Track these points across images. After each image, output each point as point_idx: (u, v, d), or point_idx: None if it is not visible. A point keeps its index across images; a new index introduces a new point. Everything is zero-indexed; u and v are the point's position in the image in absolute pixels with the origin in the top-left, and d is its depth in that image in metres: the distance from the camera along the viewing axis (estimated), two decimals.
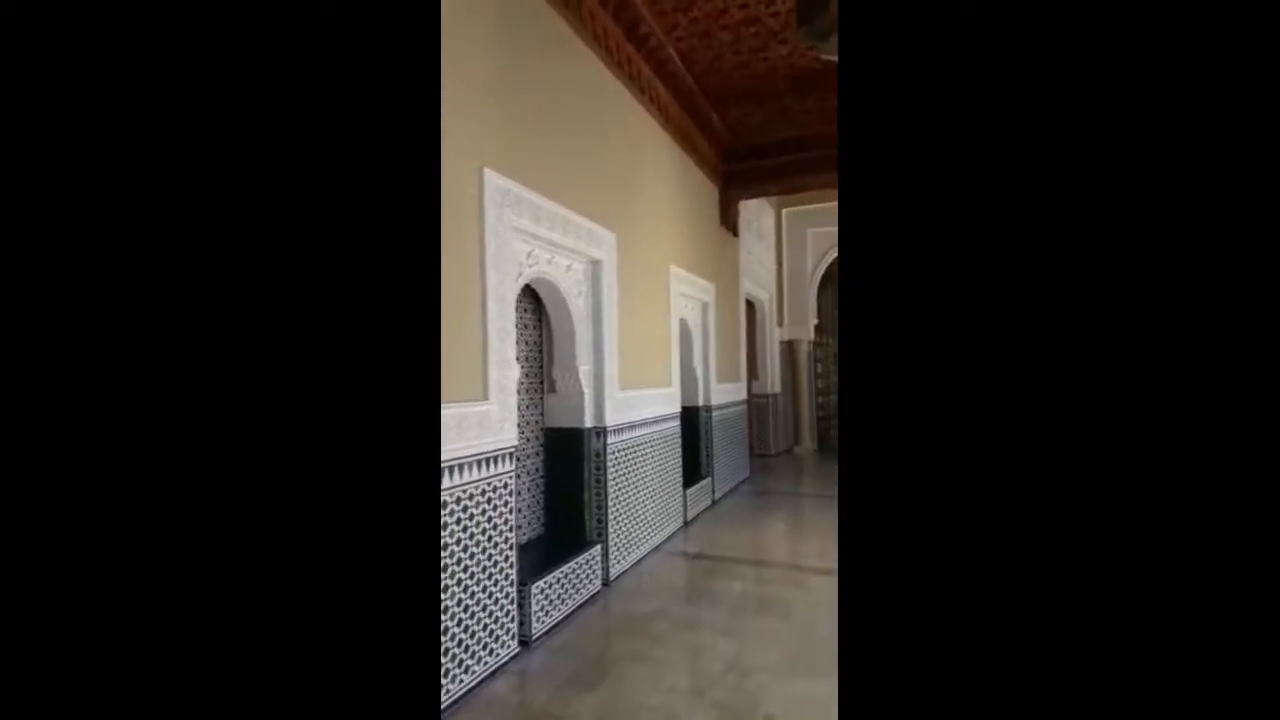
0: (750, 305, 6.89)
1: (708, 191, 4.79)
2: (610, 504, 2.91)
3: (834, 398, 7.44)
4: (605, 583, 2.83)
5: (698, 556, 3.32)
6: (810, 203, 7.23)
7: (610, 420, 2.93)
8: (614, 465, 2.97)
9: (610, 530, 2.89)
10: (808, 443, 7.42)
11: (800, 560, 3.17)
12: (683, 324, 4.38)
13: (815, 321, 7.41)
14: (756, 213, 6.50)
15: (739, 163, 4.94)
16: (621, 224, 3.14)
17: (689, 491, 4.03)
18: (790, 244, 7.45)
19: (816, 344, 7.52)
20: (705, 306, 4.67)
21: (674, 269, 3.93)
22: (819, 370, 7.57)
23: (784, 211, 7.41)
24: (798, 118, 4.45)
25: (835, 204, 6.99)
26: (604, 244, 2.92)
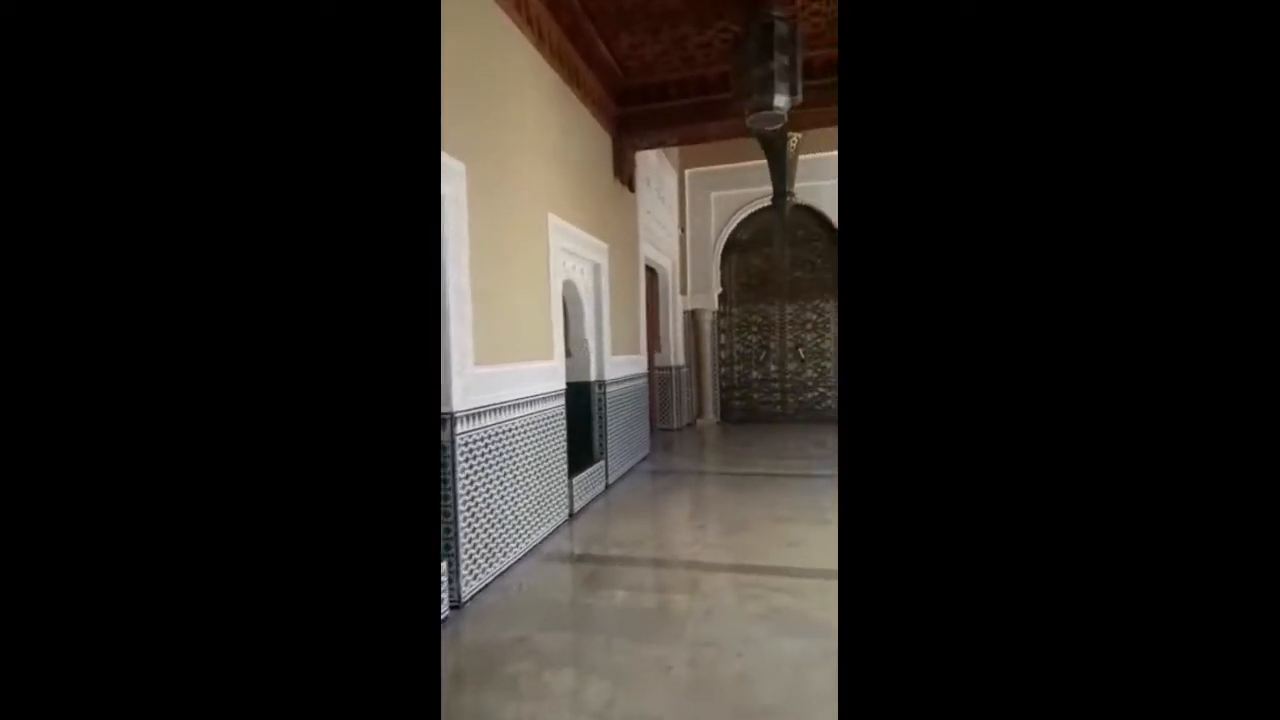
0: (652, 272, 6.44)
1: (599, 138, 4.18)
2: (462, 507, 2.32)
3: (738, 368, 7.27)
4: (456, 605, 2.26)
5: (581, 558, 2.83)
6: (714, 163, 6.85)
7: (461, 404, 2.31)
8: (469, 459, 2.37)
9: (462, 539, 2.31)
10: (710, 415, 7.21)
11: (699, 555, 2.79)
12: (569, 287, 3.80)
13: (719, 290, 7.13)
14: (656, 170, 6.00)
15: (634, 106, 4.36)
16: (475, 155, 2.47)
17: (576, 480, 3.52)
18: (693, 208, 7.06)
19: (720, 314, 7.26)
20: (598, 269, 4.11)
21: (554, 220, 3.32)
22: (722, 341, 7.34)
23: (687, 172, 6.98)
24: (696, 55, 3.94)
25: (740, 165, 6.67)
26: (447, 175, 2.25)
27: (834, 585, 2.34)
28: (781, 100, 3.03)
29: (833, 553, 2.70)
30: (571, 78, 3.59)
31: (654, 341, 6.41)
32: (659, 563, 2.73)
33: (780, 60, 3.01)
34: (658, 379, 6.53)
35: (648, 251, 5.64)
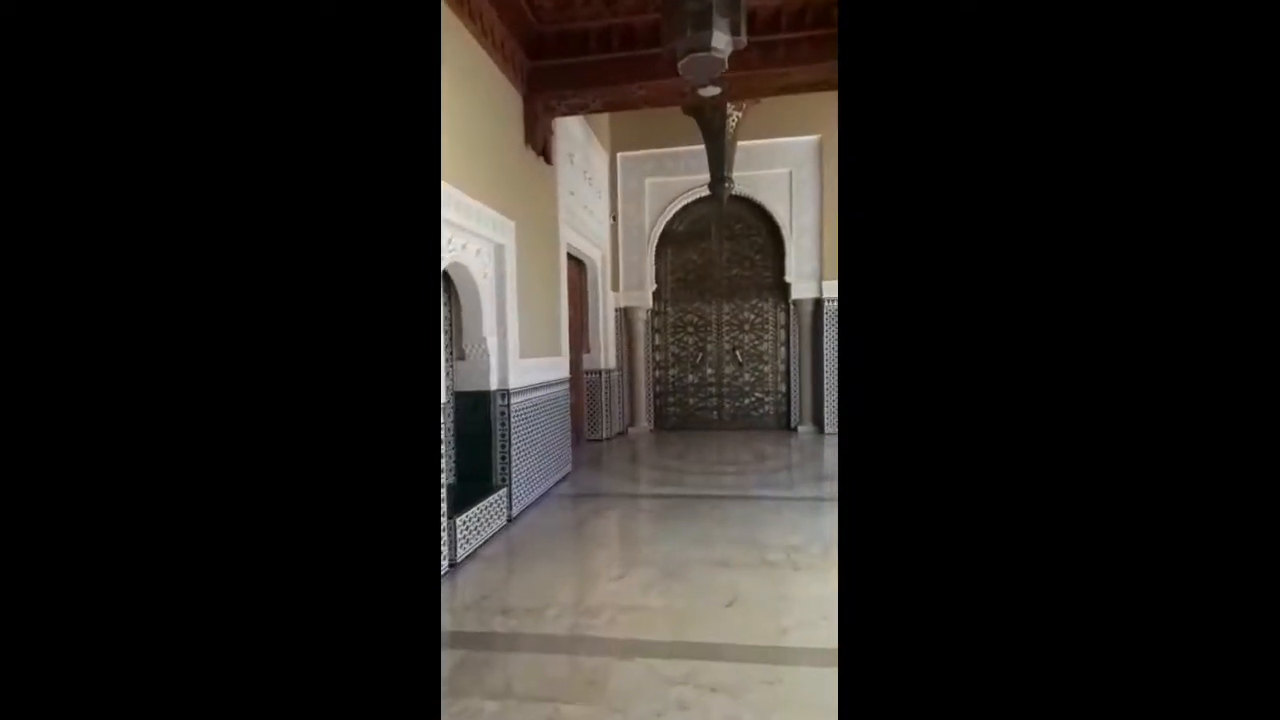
0: (580, 264, 5.73)
1: (504, 94, 3.43)
2: None
3: (673, 371, 6.69)
4: None
5: (452, 639, 2.08)
6: (648, 147, 6.23)
7: None
8: None
9: None
10: (644, 422, 6.59)
11: (612, 625, 2.10)
12: (458, 270, 3.02)
13: (653, 287, 6.52)
14: (583, 147, 5.29)
15: (548, 59, 3.64)
16: None
17: (461, 519, 2.75)
18: (626, 195, 6.40)
19: (654, 312, 6.65)
20: (500, 250, 3.36)
21: None
22: (656, 342, 6.73)
23: (619, 155, 6.32)
24: None
25: (676, 150, 6.09)
26: None
27: (779, 672, 1.72)
28: (720, 40, 2.41)
29: (775, 613, 2.11)
30: (459, 4, 2.83)
31: (582, 341, 5.71)
32: (558, 642, 2.03)
33: None
34: (586, 383, 5.83)
35: (572, 238, 4.92)
